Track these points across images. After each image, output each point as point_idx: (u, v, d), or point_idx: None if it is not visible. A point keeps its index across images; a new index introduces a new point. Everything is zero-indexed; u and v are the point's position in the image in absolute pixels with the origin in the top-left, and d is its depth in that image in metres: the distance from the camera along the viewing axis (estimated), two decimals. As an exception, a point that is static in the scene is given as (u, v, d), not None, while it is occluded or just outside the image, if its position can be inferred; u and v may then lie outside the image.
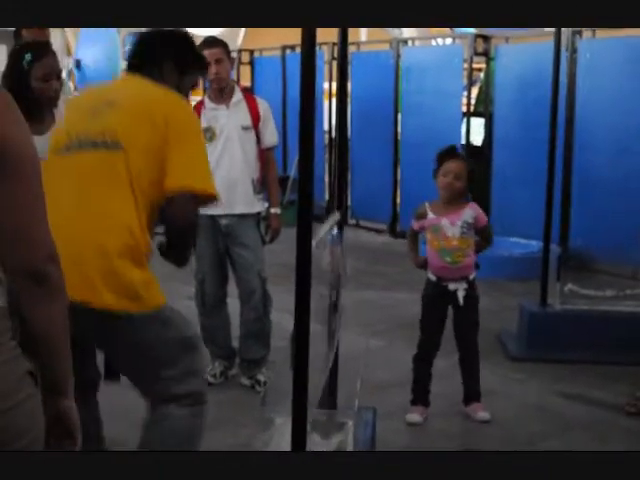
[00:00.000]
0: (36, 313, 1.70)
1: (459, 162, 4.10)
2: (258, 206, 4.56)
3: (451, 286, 4.07)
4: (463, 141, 8.33)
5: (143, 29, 2.97)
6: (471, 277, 4.11)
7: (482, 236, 4.19)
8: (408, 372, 4.27)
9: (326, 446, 2.82)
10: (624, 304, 5.30)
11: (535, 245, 7.05)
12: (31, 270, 1.67)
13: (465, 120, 8.48)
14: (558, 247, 6.14)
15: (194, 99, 4.93)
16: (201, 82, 4.62)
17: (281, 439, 2.82)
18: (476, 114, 8.96)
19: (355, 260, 7.03)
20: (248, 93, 4.79)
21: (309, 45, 2.02)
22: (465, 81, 8.59)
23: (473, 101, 9.14)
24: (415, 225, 4.22)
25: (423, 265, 4.19)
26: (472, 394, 4.18)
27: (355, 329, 5.09)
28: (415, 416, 4.10)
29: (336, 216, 2.99)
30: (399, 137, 9.22)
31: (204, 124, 4.50)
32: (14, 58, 3.61)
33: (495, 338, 5.47)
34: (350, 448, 2.83)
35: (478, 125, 8.82)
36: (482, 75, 9.25)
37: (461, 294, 4.06)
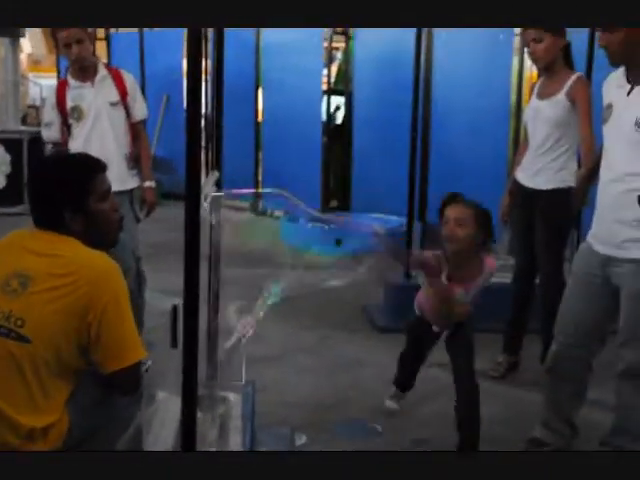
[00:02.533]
0: None
1: (459, 207, 3.47)
2: (132, 182, 4.52)
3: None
4: (324, 119, 8.46)
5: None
6: None
7: None
8: (279, 346, 4.29)
9: (210, 419, 2.86)
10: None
11: (396, 220, 7.25)
12: None
13: (325, 98, 8.59)
14: (419, 222, 6.36)
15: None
16: (66, 60, 4.51)
17: (165, 414, 2.84)
18: (336, 92, 9.10)
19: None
20: (113, 68, 4.70)
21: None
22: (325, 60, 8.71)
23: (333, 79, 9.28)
24: (423, 269, 3.67)
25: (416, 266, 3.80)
26: None
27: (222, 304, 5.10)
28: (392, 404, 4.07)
29: (215, 174, 3.03)
30: (260, 115, 9.24)
31: (70, 103, 4.41)
32: None
33: (361, 311, 5.63)
34: (236, 421, 2.88)
35: (338, 103, 8.96)
36: (340, 54, 9.39)
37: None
